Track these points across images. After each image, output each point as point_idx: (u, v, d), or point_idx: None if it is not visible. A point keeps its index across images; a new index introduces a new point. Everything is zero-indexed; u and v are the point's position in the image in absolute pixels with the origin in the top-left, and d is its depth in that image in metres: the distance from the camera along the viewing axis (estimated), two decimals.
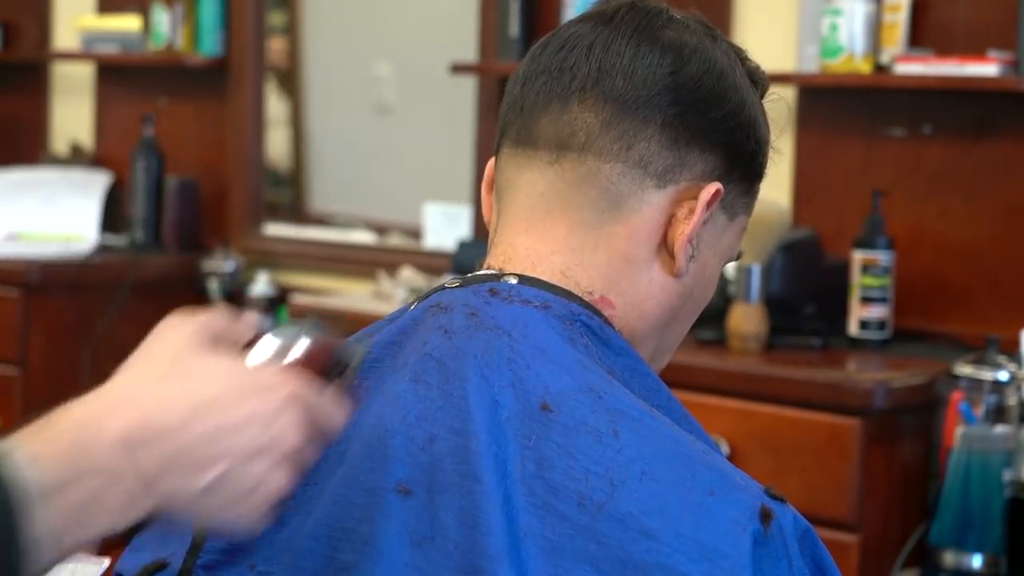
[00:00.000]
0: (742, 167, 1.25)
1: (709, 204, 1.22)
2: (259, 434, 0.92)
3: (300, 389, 0.96)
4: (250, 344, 0.94)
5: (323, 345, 0.92)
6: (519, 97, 1.25)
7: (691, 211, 1.22)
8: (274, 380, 0.94)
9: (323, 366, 0.94)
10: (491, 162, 1.28)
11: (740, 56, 1.27)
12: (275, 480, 0.96)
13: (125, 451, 0.86)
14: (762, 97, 1.28)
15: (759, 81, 1.28)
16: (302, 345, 0.93)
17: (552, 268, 1.21)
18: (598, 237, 1.22)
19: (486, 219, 1.29)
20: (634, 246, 1.22)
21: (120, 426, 0.87)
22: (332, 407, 1.00)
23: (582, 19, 1.25)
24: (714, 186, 1.22)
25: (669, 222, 1.22)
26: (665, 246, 1.23)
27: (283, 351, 0.93)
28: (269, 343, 0.92)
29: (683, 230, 1.22)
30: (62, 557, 0.85)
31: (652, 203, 1.22)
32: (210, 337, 0.93)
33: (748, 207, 1.29)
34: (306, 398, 0.96)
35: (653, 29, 1.23)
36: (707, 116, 1.22)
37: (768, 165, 1.29)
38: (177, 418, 0.88)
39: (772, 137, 1.29)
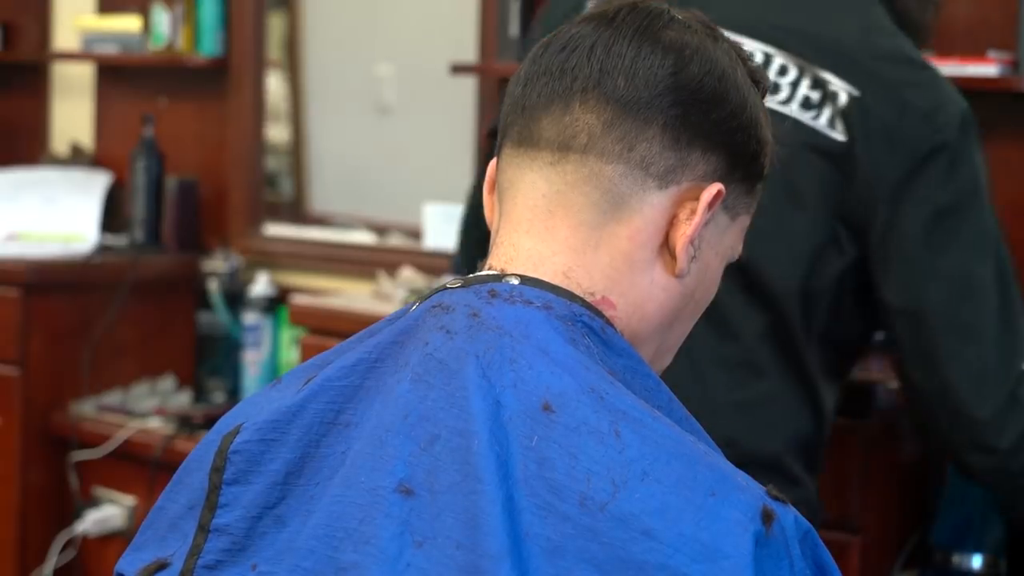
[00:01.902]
0: (744, 167, 1.25)
1: (711, 205, 1.22)
2: None
3: None
4: None
5: None
6: (520, 98, 1.25)
7: (693, 212, 1.22)
8: None
9: None
10: (493, 163, 1.28)
11: (741, 57, 1.27)
12: None
13: None
14: (763, 98, 1.29)
15: (760, 81, 1.28)
16: None
17: (554, 269, 1.21)
18: (600, 238, 1.22)
19: (488, 220, 1.29)
20: (636, 247, 1.22)
21: None
22: None
23: (583, 20, 1.25)
24: (716, 187, 1.22)
25: (671, 223, 1.22)
26: (667, 247, 1.23)
27: None
28: None
29: (685, 231, 1.22)
30: None
31: (654, 204, 1.22)
32: None
33: (750, 207, 1.29)
34: None
35: (654, 30, 1.23)
36: (709, 117, 1.22)
37: (769, 165, 1.29)
38: None
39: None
